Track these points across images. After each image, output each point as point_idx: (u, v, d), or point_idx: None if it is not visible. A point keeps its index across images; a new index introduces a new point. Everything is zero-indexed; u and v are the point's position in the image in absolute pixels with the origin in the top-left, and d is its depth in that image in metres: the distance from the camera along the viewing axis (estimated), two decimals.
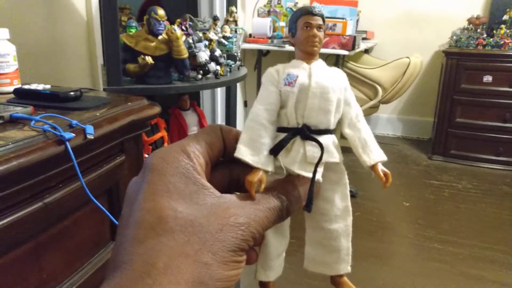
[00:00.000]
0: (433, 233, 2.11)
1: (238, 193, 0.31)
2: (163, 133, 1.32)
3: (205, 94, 2.39)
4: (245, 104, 3.06)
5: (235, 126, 1.99)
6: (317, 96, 0.31)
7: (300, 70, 0.32)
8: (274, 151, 0.31)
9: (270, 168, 0.30)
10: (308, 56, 0.32)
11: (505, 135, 2.92)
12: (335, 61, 2.58)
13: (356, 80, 2.93)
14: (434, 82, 3.40)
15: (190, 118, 1.46)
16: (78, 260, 0.84)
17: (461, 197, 2.55)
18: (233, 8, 1.59)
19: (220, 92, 2.36)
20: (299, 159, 0.31)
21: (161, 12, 1.11)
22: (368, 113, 3.13)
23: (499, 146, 2.95)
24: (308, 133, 0.31)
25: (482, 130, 2.98)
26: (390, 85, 2.80)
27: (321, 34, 0.32)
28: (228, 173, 0.32)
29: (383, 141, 3.56)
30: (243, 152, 0.30)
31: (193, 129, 1.47)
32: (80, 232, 0.83)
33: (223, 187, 0.31)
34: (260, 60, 2.83)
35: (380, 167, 0.34)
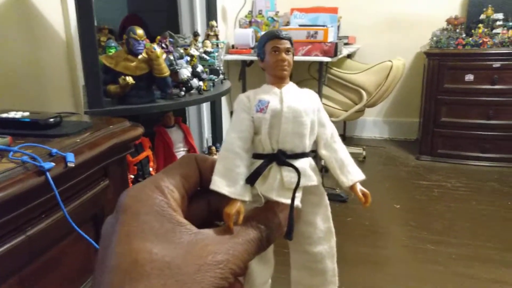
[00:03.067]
0: (425, 234, 2.12)
1: (216, 226, 0.31)
2: (148, 152, 1.30)
3: (191, 109, 2.38)
4: (231, 114, 3.06)
5: (221, 138, 1.98)
6: (290, 121, 0.31)
7: (271, 95, 0.32)
8: (251, 180, 0.30)
9: (247, 198, 0.30)
10: (279, 80, 0.32)
11: (490, 132, 2.96)
12: (319, 67, 2.59)
13: (340, 85, 2.95)
14: (418, 83, 3.44)
15: (175, 135, 1.45)
16: None
17: (451, 196, 2.57)
18: (213, 23, 1.59)
19: (205, 106, 2.36)
20: (277, 185, 0.30)
21: (139, 31, 1.10)
22: (354, 117, 3.15)
23: (484, 143, 2.98)
24: (284, 159, 0.31)
25: (467, 128, 3.01)
26: (374, 89, 2.82)
27: (289, 57, 0.32)
28: (206, 203, 0.31)
29: (370, 144, 3.58)
30: (218, 184, 0.29)
31: (178, 145, 1.46)
32: (66, 262, 0.81)
33: (203, 218, 0.31)
34: (244, 70, 2.83)
35: (359, 187, 0.34)
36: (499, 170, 2.92)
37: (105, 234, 0.27)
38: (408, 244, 2.06)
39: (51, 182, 0.68)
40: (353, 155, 3.02)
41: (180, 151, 1.47)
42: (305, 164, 0.31)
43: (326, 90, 2.89)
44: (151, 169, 1.33)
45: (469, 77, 2.92)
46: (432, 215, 2.34)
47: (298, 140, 0.31)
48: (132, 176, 1.28)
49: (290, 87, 0.32)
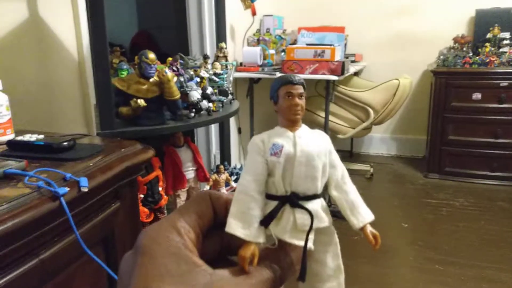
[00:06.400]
0: (433, 254, 2.10)
1: (228, 261, 0.32)
2: (157, 172, 1.32)
3: (199, 128, 2.40)
4: (239, 131, 3.07)
5: (229, 156, 1.99)
6: (303, 164, 0.32)
7: (284, 139, 0.32)
8: (265, 223, 0.31)
9: (261, 240, 0.30)
10: (291, 123, 0.33)
11: (498, 151, 2.95)
12: (326, 85, 2.61)
13: (347, 103, 2.96)
14: (425, 100, 3.44)
15: (184, 155, 1.46)
16: None
17: (459, 215, 2.55)
18: (223, 44, 1.62)
19: (214, 125, 2.38)
20: (290, 227, 0.31)
21: (151, 56, 1.13)
22: (361, 134, 3.15)
23: (493, 162, 2.97)
24: (297, 201, 0.32)
25: (475, 147, 3.00)
26: (381, 107, 2.83)
27: (302, 102, 0.33)
28: (219, 239, 0.32)
29: (377, 161, 3.57)
30: (234, 226, 0.30)
31: (187, 165, 1.48)
32: (77, 284, 0.82)
33: (215, 253, 0.32)
34: (252, 87, 2.86)
35: (369, 229, 0.34)
36: (507, 189, 2.89)
37: (124, 273, 0.28)
38: (416, 264, 2.05)
39: (65, 207, 0.70)
40: (360, 172, 3.00)
41: (189, 170, 1.49)
42: (317, 205, 0.32)
43: (333, 107, 2.90)
44: (160, 188, 1.34)
45: (477, 95, 2.93)
46: (440, 234, 2.32)
47: (310, 183, 0.32)
48: (142, 196, 1.30)
49: (303, 131, 0.33)
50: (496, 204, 2.68)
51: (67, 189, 0.71)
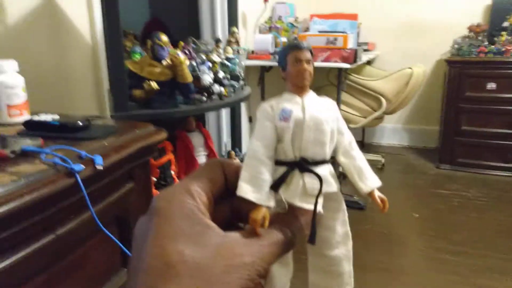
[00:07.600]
0: (444, 244, 2.09)
1: (242, 229, 0.32)
2: (170, 156, 1.33)
3: (210, 114, 2.41)
4: (250, 119, 3.07)
5: (240, 143, 1.99)
6: (312, 129, 0.32)
7: (293, 105, 0.33)
8: (275, 187, 0.32)
9: (272, 204, 0.31)
10: (300, 89, 0.34)
11: None
12: (338, 74, 2.59)
13: (359, 92, 2.94)
14: (438, 90, 3.40)
15: (196, 140, 1.47)
16: None
17: (471, 206, 2.52)
18: (235, 29, 1.61)
19: (225, 111, 2.38)
20: (299, 192, 0.32)
21: (164, 38, 1.13)
22: (373, 124, 3.13)
23: (507, 153, 2.93)
24: (306, 166, 0.32)
25: (488, 137, 2.96)
26: (394, 96, 2.80)
27: (310, 67, 0.34)
28: (229, 206, 0.32)
29: (389, 151, 3.55)
30: (245, 190, 0.30)
31: (199, 150, 1.48)
32: (91, 261, 0.84)
33: (226, 219, 0.32)
34: (263, 75, 2.85)
35: (377, 194, 0.35)
36: None
37: (138, 235, 0.28)
38: (426, 254, 2.04)
39: (81, 184, 0.71)
40: (372, 162, 2.99)
41: (201, 155, 1.50)
42: (326, 171, 0.33)
43: (345, 96, 2.88)
44: (172, 172, 1.35)
45: (491, 85, 2.88)
46: (451, 225, 2.31)
47: (319, 148, 0.32)
48: (155, 179, 1.31)
49: (311, 96, 0.34)
50: (509, 195, 2.65)
51: (82, 166, 0.72)
